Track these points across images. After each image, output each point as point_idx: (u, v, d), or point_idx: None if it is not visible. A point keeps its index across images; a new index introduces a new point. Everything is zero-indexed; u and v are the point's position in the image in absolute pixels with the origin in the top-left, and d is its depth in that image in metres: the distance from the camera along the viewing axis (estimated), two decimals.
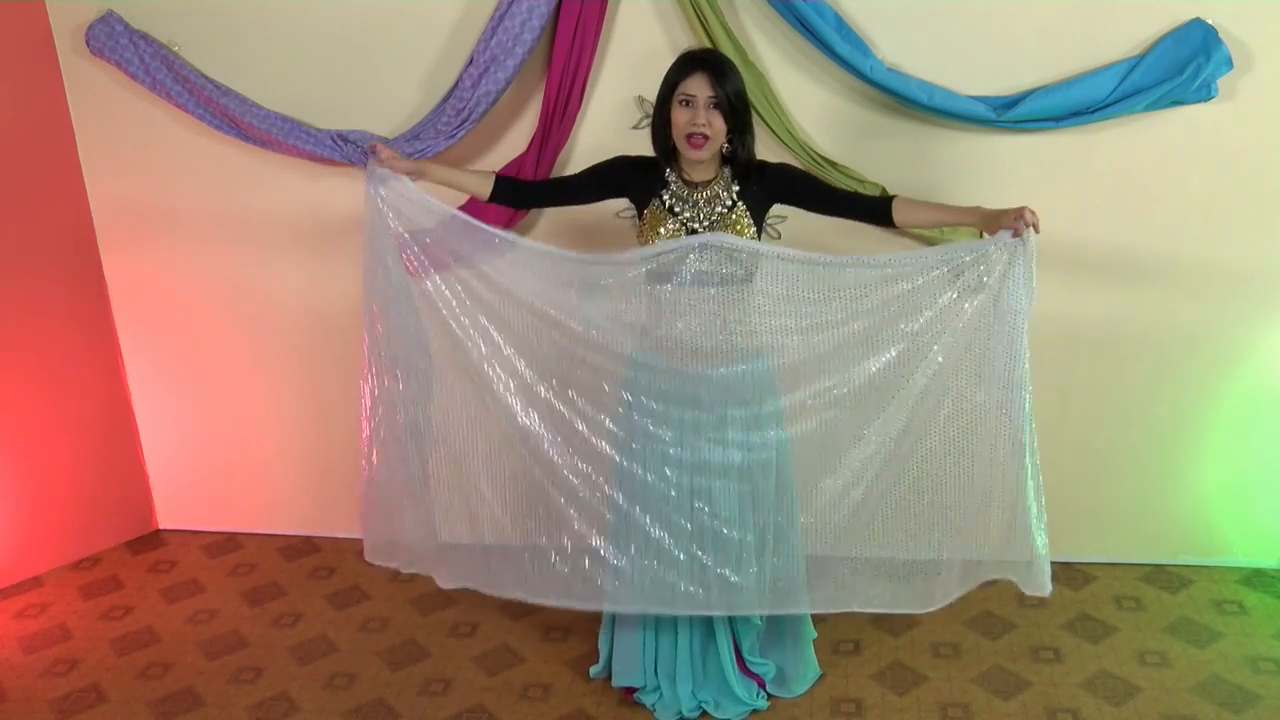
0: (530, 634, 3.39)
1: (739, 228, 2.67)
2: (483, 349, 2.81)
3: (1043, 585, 2.79)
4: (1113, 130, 3.15)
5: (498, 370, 2.81)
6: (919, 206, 2.73)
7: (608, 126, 3.31)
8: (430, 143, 3.25)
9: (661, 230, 2.68)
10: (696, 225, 2.67)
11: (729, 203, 2.68)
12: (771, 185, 2.72)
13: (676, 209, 2.69)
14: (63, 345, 3.68)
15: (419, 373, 2.88)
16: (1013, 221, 2.53)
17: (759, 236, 2.72)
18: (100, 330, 3.77)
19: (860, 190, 3.17)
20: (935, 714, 2.99)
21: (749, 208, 2.69)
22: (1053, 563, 3.59)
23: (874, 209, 2.74)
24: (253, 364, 3.78)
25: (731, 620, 2.94)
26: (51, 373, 3.67)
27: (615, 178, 2.79)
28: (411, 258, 2.81)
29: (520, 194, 2.92)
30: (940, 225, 2.97)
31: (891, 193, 2.77)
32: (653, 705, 3.01)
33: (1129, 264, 3.30)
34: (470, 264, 2.78)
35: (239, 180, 3.54)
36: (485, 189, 2.83)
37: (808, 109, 3.23)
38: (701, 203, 2.68)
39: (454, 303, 2.81)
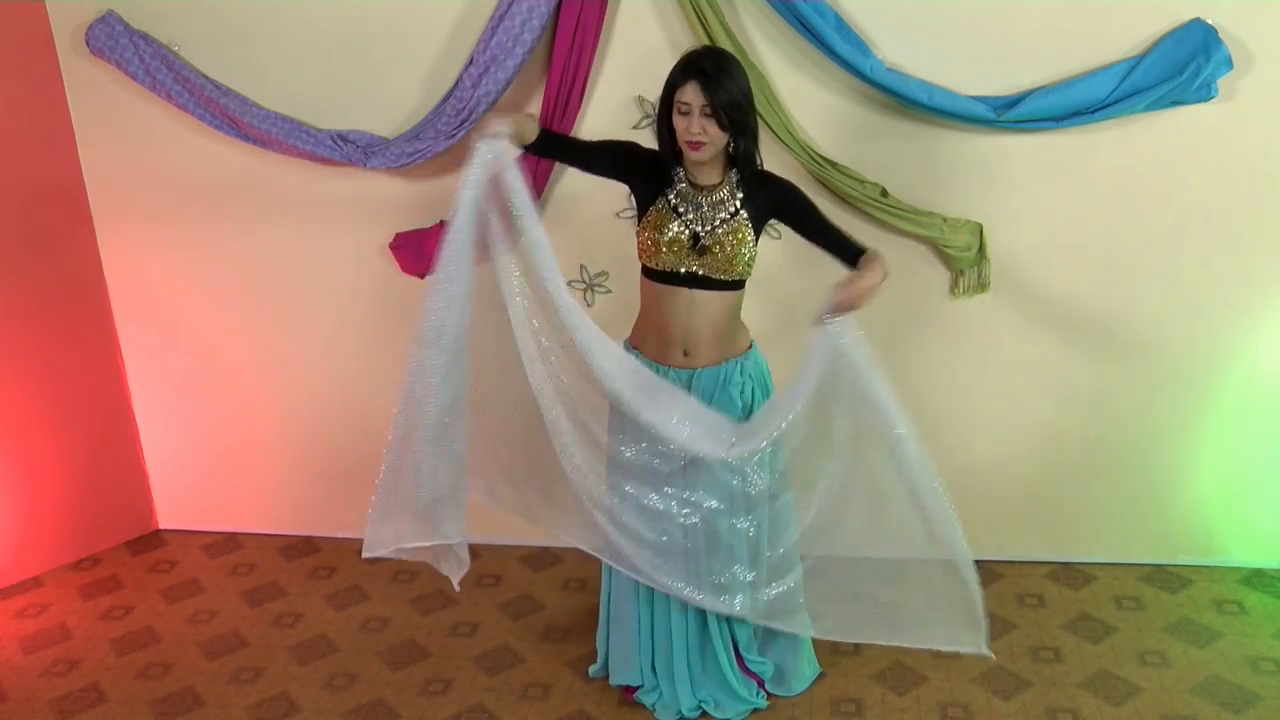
0: (530, 634, 3.39)
1: (740, 235, 2.66)
2: (524, 330, 2.77)
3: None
4: (1113, 130, 3.15)
5: (528, 347, 2.78)
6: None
7: (608, 126, 3.31)
8: (430, 143, 3.24)
9: (665, 230, 2.68)
10: (699, 228, 2.67)
11: (733, 209, 2.67)
12: (771, 200, 2.71)
13: (681, 209, 2.69)
14: (63, 345, 3.68)
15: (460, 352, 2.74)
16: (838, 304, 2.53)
17: (756, 243, 2.71)
18: (100, 330, 3.76)
19: (861, 191, 3.18)
20: (935, 714, 2.99)
21: (750, 216, 2.68)
22: (1053, 563, 3.63)
23: (848, 258, 2.66)
24: (252, 364, 3.78)
25: (728, 619, 2.94)
26: (51, 373, 3.67)
27: (627, 161, 2.78)
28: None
29: (550, 144, 2.84)
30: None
31: (865, 246, 2.67)
32: (653, 705, 3.01)
33: (1129, 264, 3.30)
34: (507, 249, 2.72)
35: (239, 180, 3.53)
36: (535, 134, 2.74)
37: (808, 109, 3.23)
38: (706, 206, 2.68)
39: (507, 286, 2.75)
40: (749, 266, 2.70)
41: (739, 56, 3.08)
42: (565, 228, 3.44)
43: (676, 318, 2.72)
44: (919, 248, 3.33)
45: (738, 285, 2.73)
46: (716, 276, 2.68)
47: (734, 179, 2.69)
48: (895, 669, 3.16)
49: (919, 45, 3.13)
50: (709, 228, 2.67)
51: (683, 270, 2.69)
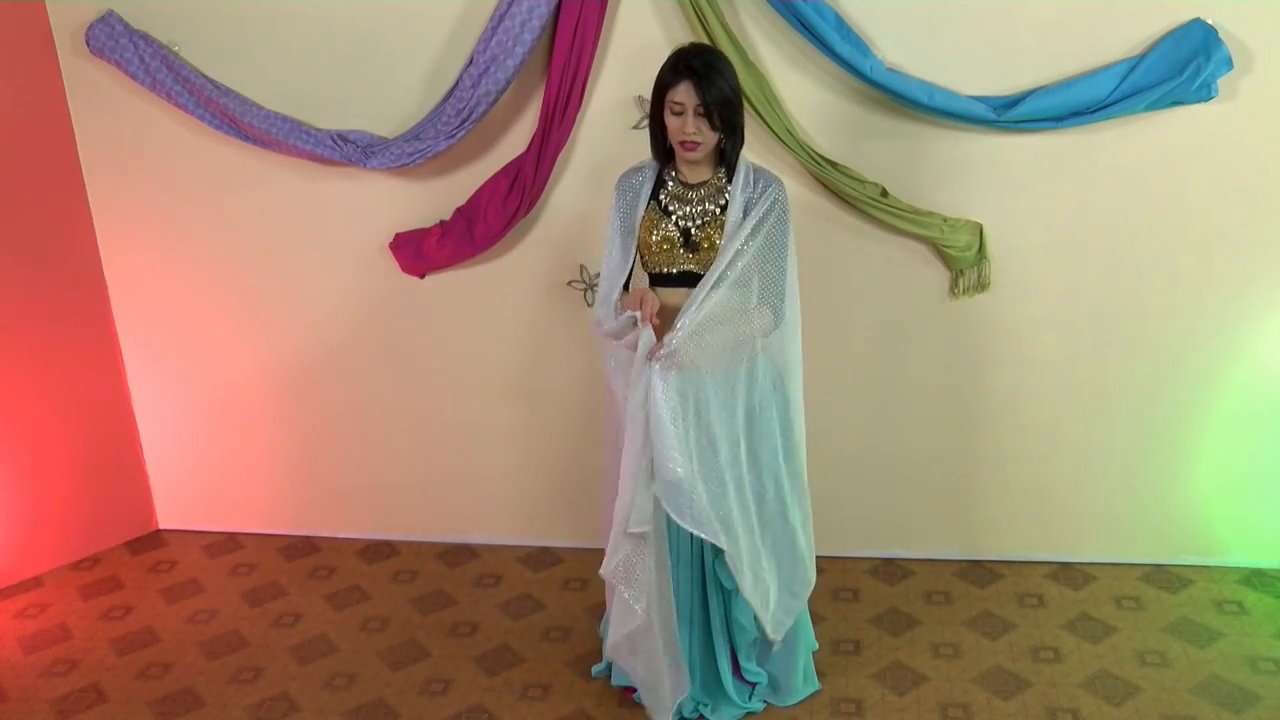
0: (530, 634, 3.39)
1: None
2: None
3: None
4: (1113, 130, 3.15)
5: None
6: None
7: (608, 126, 3.31)
8: (430, 143, 3.25)
9: (656, 232, 2.68)
10: (689, 224, 2.67)
11: (722, 203, 2.67)
12: (753, 203, 2.66)
13: (671, 209, 2.69)
14: (63, 345, 3.68)
15: None
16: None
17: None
18: (100, 330, 3.76)
19: (860, 191, 3.19)
20: (935, 714, 2.99)
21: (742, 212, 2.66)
22: (1053, 563, 3.63)
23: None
24: (253, 363, 3.77)
25: (728, 628, 2.93)
26: (51, 373, 3.67)
27: (624, 204, 2.74)
28: None
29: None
30: None
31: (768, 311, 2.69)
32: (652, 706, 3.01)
33: (1129, 264, 3.30)
34: None
35: (239, 180, 3.53)
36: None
37: (808, 109, 3.23)
38: (695, 201, 2.67)
39: None
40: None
41: (739, 56, 3.09)
42: (565, 226, 3.45)
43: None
44: (919, 248, 3.33)
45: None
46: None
47: (723, 176, 2.68)
48: (895, 669, 3.16)
49: (919, 45, 3.13)
50: (698, 223, 2.66)
51: (676, 270, 2.68)
